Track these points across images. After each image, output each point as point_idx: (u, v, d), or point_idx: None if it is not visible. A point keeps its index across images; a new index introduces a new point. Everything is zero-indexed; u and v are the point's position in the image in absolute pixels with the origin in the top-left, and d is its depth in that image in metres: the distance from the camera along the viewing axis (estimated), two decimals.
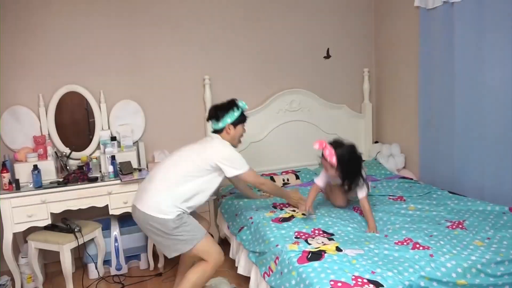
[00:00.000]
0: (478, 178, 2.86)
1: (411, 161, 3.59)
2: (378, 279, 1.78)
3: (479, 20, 2.70)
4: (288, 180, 3.38)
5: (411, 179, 3.35)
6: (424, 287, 1.77)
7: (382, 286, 1.73)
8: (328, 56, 3.83)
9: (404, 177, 3.38)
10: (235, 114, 2.51)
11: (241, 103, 2.56)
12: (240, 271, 2.66)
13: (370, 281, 1.76)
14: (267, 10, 3.60)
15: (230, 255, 2.90)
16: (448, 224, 2.37)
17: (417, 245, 2.08)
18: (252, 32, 3.58)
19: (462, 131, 2.95)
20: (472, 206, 2.60)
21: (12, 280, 2.89)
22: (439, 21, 3.04)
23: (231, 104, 2.54)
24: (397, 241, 2.16)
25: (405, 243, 2.13)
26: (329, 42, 3.82)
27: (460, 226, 2.32)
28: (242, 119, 2.57)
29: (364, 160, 2.32)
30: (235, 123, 2.53)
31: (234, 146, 2.59)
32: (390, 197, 2.90)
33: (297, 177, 3.41)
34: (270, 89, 3.67)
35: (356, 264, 1.92)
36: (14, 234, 2.78)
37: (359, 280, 1.76)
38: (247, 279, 2.58)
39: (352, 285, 1.73)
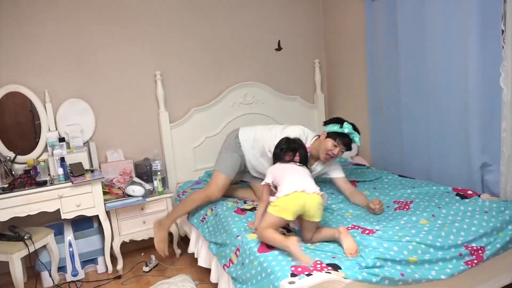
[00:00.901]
0: (425, 161, 3.02)
1: (363, 148, 3.73)
2: (336, 262, 1.84)
3: (420, 10, 2.83)
4: None
5: (364, 165, 3.49)
6: (380, 266, 1.85)
7: (340, 268, 1.79)
8: (279, 48, 3.88)
9: (357, 164, 3.51)
10: (334, 128, 2.62)
11: (347, 126, 2.60)
12: (201, 263, 2.66)
13: (329, 265, 1.82)
14: (216, 4, 3.57)
15: (189, 250, 2.90)
16: (396, 206, 2.49)
17: (366, 231, 2.13)
18: (203, 27, 3.55)
19: (408, 117, 3.10)
20: (419, 188, 2.74)
21: None
22: (383, 12, 3.16)
23: (340, 120, 2.66)
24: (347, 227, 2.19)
25: (355, 228, 2.18)
26: (280, 34, 3.86)
27: (407, 207, 2.45)
28: (335, 136, 2.61)
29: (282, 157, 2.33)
30: (328, 134, 2.63)
31: (318, 156, 2.67)
32: None
33: None
34: (224, 83, 3.65)
35: (316, 250, 1.97)
36: None
37: (318, 265, 1.82)
38: (208, 270, 2.58)
39: (312, 269, 1.77)
